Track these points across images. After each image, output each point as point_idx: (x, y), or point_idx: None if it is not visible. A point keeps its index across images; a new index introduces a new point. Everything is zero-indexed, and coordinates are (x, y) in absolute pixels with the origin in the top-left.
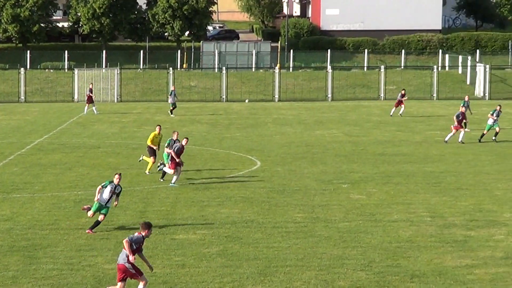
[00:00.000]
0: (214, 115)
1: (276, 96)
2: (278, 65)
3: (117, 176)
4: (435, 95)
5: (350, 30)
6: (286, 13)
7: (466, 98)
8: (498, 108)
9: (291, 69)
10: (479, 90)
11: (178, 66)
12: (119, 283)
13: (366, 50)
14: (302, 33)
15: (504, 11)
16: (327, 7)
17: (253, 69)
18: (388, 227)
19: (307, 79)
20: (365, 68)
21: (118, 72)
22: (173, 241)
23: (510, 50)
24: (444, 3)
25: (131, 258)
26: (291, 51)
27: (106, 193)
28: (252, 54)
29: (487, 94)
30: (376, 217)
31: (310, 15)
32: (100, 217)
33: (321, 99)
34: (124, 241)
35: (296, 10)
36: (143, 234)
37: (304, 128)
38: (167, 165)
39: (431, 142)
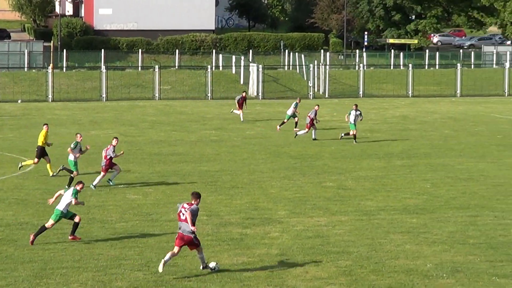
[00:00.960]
0: None
1: (50, 96)
2: (51, 65)
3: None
4: (209, 94)
5: (124, 30)
6: (58, 12)
7: (298, 100)
8: (354, 107)
9: (64, 69)
10: (252, 90)
11: None
12: (177, 248)
13: (140, 50)
14: (75, 32)
15: (276, 12)
16: (100, 7)
17: (26, 69)
18: (165, 226)
19: (81, 79)
20: (140, 68)
21: None
22: None
23: (281, 50)
24: (217, 3)
25: (193, 228)
26: (64, 50)
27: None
28: (24, 54)
29: (260, 94)
30: (153, 216)
31: (83, 15)
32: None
33: (96, 99)
34: (187, 214)
35: (69, 9)
36: (196, 203)
37: (79, 128)
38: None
39: (207, 142)
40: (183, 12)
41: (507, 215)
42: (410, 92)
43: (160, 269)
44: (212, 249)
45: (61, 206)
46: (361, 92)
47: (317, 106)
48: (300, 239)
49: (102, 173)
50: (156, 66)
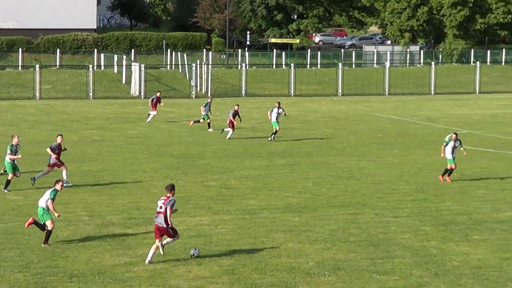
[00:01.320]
0: None
1: None
2: None
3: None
4: (91, 94)
5: (3, 28)
6: None
7: (209, 99)
8: (277, 105)
9: None
10: (134, 89)
11: None
12: (158, 241)
13: (20, 49)
14: None
15: (158, 11)
16: None
17: None
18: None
19: None
20: (20, 67)
21: None
22: None
23: (164, 50)
24: (99, 2)
25: (170, 221)
26: None
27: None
28: None
29: (142, 93)
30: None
31: None
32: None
33: None
34: (168, 208)
35: None
36: (171, 195)
37: None
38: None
39: (88, 141)
40: (64, 11)
41: (387, 213)
42: (292, 91)
43: (150, 259)
44: (94, 250)
45: (42, 203)
46: (243, 92)
47: (236, 106)
48: (183, 239)
49: (62, 169)
50: (37, 66)
